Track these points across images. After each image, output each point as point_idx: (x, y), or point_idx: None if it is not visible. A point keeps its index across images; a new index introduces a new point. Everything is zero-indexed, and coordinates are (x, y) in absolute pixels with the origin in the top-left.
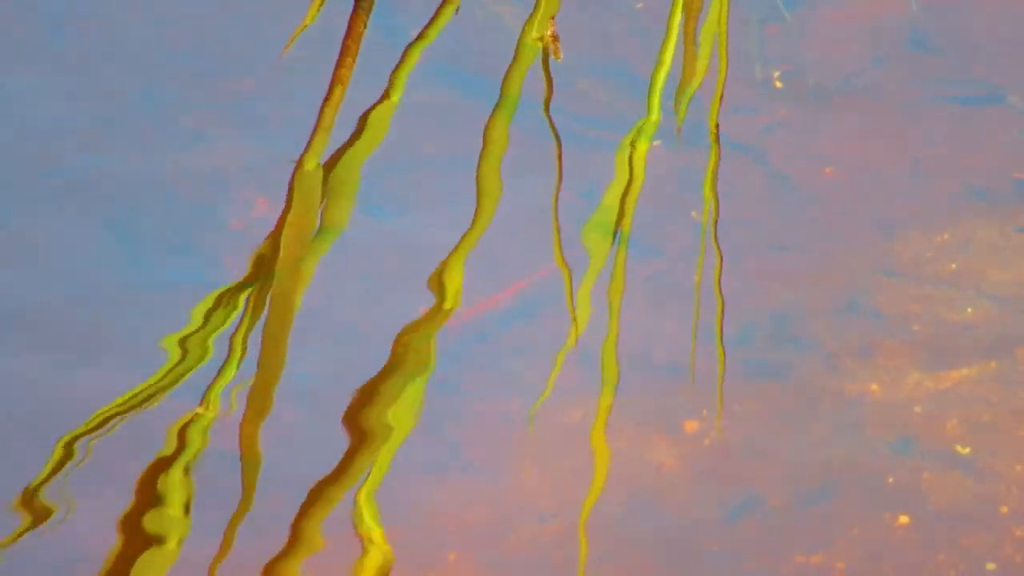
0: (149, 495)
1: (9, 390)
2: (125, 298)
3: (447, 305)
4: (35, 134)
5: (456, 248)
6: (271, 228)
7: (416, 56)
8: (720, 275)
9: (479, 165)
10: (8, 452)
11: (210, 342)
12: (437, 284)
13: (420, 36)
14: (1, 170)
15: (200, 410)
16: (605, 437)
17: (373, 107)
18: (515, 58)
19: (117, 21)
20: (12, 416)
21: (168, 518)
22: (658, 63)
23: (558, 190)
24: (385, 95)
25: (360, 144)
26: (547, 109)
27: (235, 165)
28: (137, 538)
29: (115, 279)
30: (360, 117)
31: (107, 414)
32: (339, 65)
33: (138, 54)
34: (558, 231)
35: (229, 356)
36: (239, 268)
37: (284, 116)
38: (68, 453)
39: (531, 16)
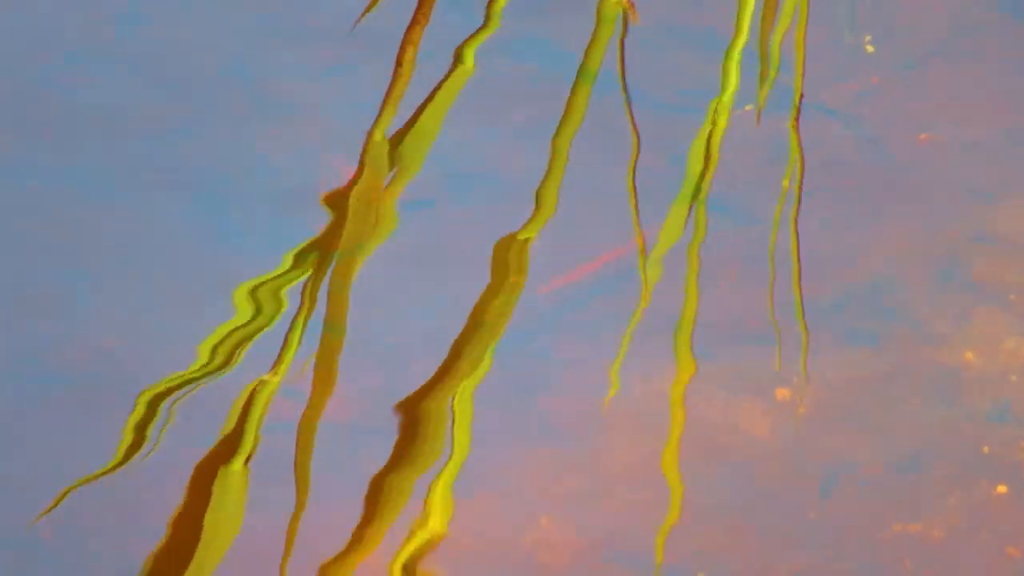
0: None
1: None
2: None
3: (514, 278)
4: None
5: (528, 223)
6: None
7: (492, 27)
8: (797, 244)
9: (555, 135)
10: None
11: (282, 294)
12: (505, 259)
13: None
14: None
15: (268, 376)
16: (683, 396)
17: (447, 75)
18: (595, 28)
19: None
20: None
21: (231, 487)
22: (736, 29)
23: (635, 159)
24: (459, 60)
25: (429, 113)
26: (623, 78)
27: (324, 134)
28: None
29: (203, 248)
30: (434, 87)
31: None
32: (410, 29)
33: (228, 20)
34: (635, 199)
35: (294, 323)
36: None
37: (364, 83)
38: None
39: None
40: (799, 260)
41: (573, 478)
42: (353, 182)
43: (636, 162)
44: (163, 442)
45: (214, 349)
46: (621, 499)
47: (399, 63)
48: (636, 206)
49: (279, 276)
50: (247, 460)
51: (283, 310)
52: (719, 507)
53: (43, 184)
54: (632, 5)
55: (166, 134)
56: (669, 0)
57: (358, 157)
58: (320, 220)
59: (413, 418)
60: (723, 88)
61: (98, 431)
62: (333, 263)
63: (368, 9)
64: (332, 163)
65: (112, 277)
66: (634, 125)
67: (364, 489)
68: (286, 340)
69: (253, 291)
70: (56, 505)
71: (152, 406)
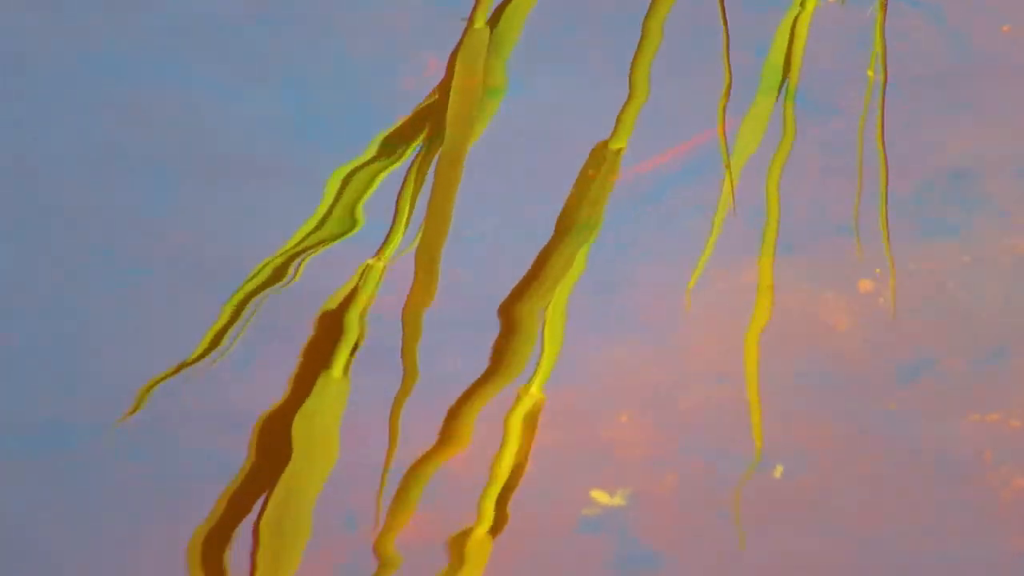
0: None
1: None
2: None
3: (613, 146)
4: None
5: (623, 111)
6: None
7: None
8: (883, 136)
9: (646, 18)
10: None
11: (376, 180)
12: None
13: None
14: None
15: (373, 261)
16: (771, 274)
17: None
18: None
19: None
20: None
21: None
22: None
23: (727, 48)
24: None
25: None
26: None
27: (406, 25)
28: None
29: (284, 130)
30: None
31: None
32: None
33: None
34: (728, 90)
35: (397, 214)
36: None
37: None
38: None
39: None
40: (884, 151)
41: (652, 373)
42: (449, 73)
43: (728, 52)
44: (251, 337)
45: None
46: (700, 394)
47: None
48: (727, 94)
49: (370, 162)
50: (353, 351)
51: (362, 204)
52: (800, 399)
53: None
54: None
55: (254, 26)
56: None
57: (448, 52)
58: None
59: (509, 321)
60: None
61: (194, 315)
62: (437, 153)
63: None
64: (420, 58)
65: (205, 166)
66: (725, 15)
67: (451, 390)
68: (392, 225)
69: (347, 178)
70: (142, 400)
71: (244, 299)
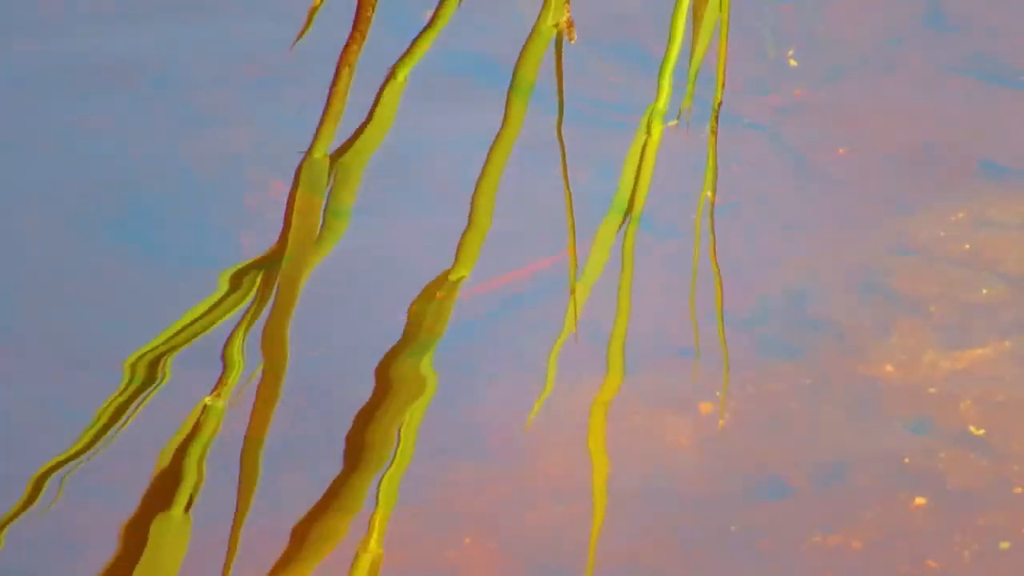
0: (162, 484)
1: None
2: (141, 273)
3: (453, 276)
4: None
5: (466, 231)
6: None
7: (427, 43)
8: (716, 255)
9: (491, 151)
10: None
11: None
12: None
13: (431, 22)
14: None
15: (209, 400)
16: (604, 442)
17: (381, 89)
18: (529, 43)
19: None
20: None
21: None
22: (669, 43)
23: (566, 177)
24: (392, 75)
25: (369, 132)
26: (560, 94)
27: (250, 147)
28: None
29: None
30: (373, 101)
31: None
32: (347, 48)
33: (153, 30)
34: (572, 213)
35: (230, 340)
36: (254, 248)
37: (298, 98)
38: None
39: (546, 2)
40: (719, 274)
41: (495, 493)
42: (291, 201)
43: (567, 175)
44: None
45: (138, 364)
46: (545, 513)
47: (335, 83)
48: (573, 223)
49: (218, 303)
50: (188, 507)
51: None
52: (642, 520)
53: None
54: (571, 25)
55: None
56: (591, 14)
57: (290, 173)
58: (251, 237)
59: (355, 451)
60: (657, 100)
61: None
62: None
63: (302, 33)
64: (259, 176)
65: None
66: (561, 138)
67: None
68: (225, 363)
69: (192, 322)
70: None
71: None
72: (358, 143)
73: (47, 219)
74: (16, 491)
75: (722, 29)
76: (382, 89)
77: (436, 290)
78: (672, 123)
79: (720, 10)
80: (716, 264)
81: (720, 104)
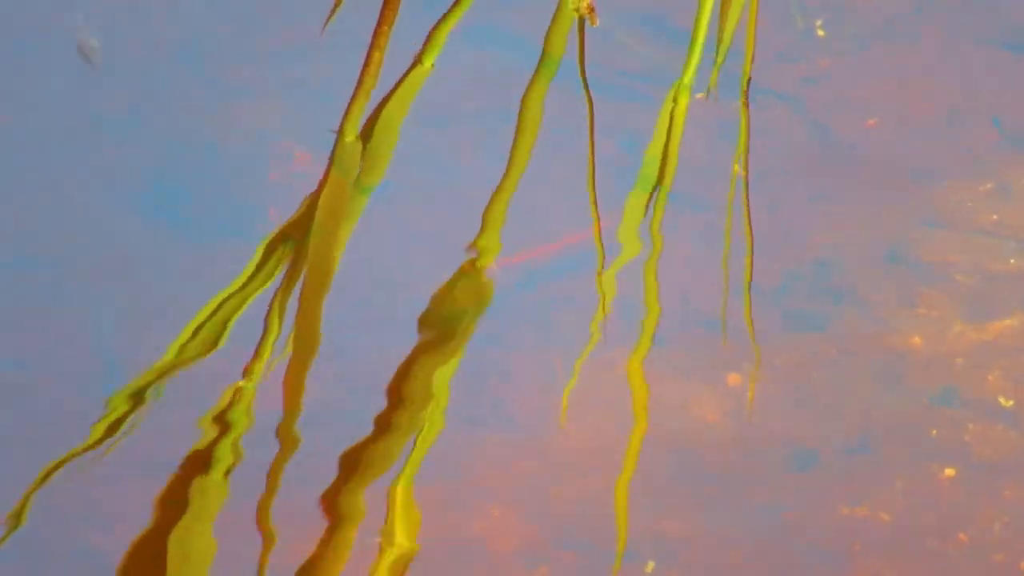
0: (192, 469)
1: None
2: (167, 255)
3: (481, 263)
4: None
5: (491, 200)
6: (309, 183)
7: (451, 24)
8: (751, 230)
9: (519, 118)
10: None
11: (247, 304)
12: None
13: (455, 3)
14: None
15: (243, 383)
16: (643, 373)
17: (407, 73)
18: (553, 21)
19: None
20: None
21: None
22: (698, 15)
23: (592, 153)
24: (418, 60)
25: (391, 106)
26: (583, 73)
27: (275, 119)
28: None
29: (157, 235)
30: (395, 84)
31: (150, 376)
32: (377, 31)
33: (178, 5)
34: (594, 189)
35: (267, 326)
36: (281, 221)
37: (323, 72)
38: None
39: None
40: (751, 246)
41: (524, 465)
42: (322, 183)
43: (594, 152)
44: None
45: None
46: (572, 486)
47: (366, 65)
48: (595, 198)
49: (243, 287)
50: (227, 472)
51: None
52: (669, 492)
53: None
54: (593, 8)
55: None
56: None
57: (314, 147)
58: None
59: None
60: (684, 73)
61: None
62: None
63: (332, 14)
64: (285, 149)
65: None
66: (592, 118)
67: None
68: (258, 349)
69: (216, 309)
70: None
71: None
72: (382, 119)
73: (75, 195)
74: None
75: (752, 3)
76: (408, 73)
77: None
78: (700, 95)
79: None
80: (750, 236)
81: (749, 80)
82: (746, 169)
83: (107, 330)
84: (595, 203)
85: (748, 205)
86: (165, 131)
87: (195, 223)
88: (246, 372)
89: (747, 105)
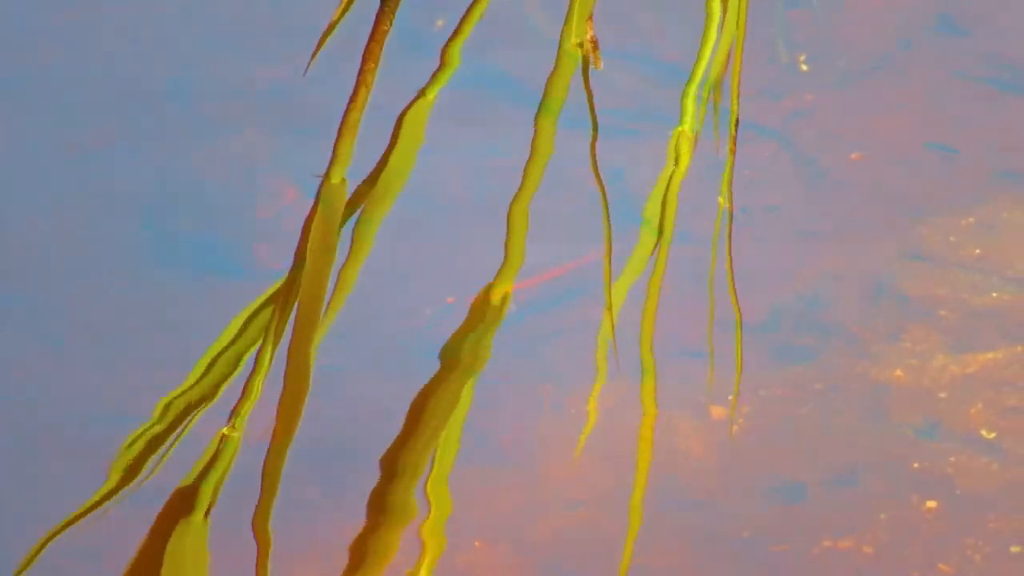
0: (173, 514)
1: (22, 388)
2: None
3: (495, 300)
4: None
5: (510, 228)
6: (297, 220)
7: (456, 55)
8: (732, 265)
9: (526, 167)
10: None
11: (244, 357)
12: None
13: (454, 35)
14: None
15: (227, 430)
16: (652, 437)
17: (408, 107)
18: (556, 65)
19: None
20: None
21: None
22: (697, 62)
23: (601, 186)
24: (421, 94)
25: (398, 153)
26: (593, 118)
27: (263, 154)
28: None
29: (147, 269)
30: (397, 119)
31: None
32: (363, 67)
33: (165, 42)
34: (608, 223)
35: (254, 372)
36: (268, 258)
37: (313, 107)
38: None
39: (567, 18)
40: (733, 281)
41: (508, 498)
42: (307, 226)
43: (606, 196)
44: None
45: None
46: (557, 519)
47: (352, 103)
48: (609, 228)
49: (235, 340)
50: (207, 512)
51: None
52: (652, 523)
53: None
54: (596, 48)
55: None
56: (604, 26)
57: (303, 182)
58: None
59: (392, 471)
60: (682, 121)
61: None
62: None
63: (316, 51)
64: (272, 186)
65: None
66: (594, 157)
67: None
68: (244, 393)
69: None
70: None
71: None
72: (387, 170)
73: (60, 230)
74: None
75: (737, 45)
76: (408, 108)
77: (481, 307)
78: (691, 136)
79: (736, 27)
80: (731, 270)
81: (738, 119)
82: (730, 205)
83: (94, 366)
84: (609, 231)
85: (730, 238)
86: (152, 167)
87: (183, 259)
88: (231, 421)
89: (734, 142)
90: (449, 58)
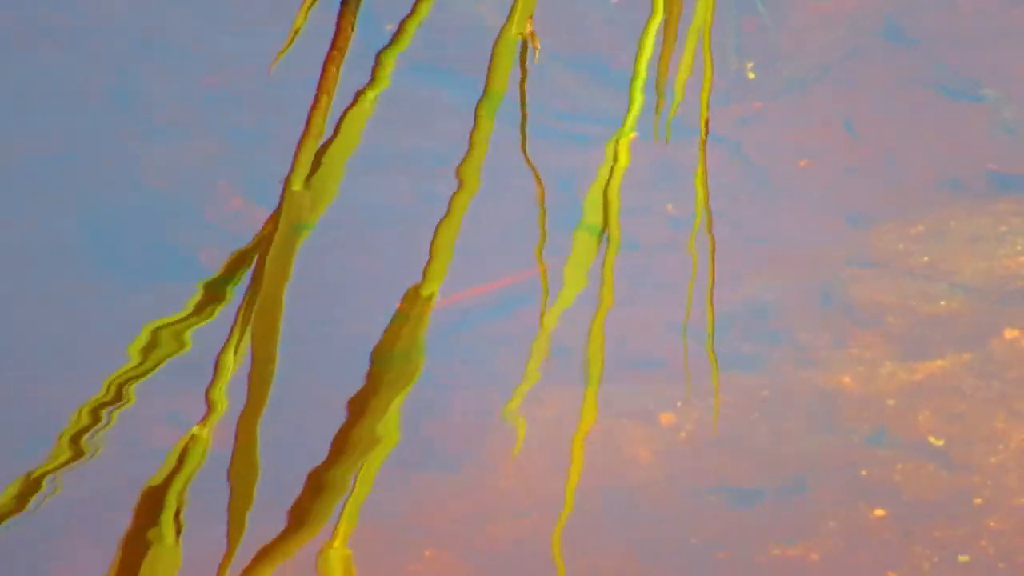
0: (145, 517)
1: None
2: (103, 294)
3: (425, 292)
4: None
5: (434, 239)
6: (245, 224)
7: (392, 58)
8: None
9: (463, 161)
10: None
11: (187, 336)
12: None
13: (396, 36)
14: None
15: (196, 430)
16: (584, 443)
17: (349, 108)
18: (494, 56)
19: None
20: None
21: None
22: (636, 61)
23: (542, 196)
24: (360, 95)
25: (336, 146)
26: (524, 104)
27: (211, 160)
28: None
29: (92, 275)
30: (339, 118)
31: (87, 408)
32: (325, 73)
33: (118, 45)
34: (544, 230)
35: (218, 372)
36: (214, 262)
37: (264, 111)
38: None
39: (509, 16)
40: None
41: (456, 506)
42: (267, 230)
43: (543, 193)
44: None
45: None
46: (507, 525)
47: (313, 109)
48: (544, 239)
49: (186, 318)
50: (176, 516)
51: (185, 350)
52: (601, 532)
53: None
54: (534, 35)
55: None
56: (551, 27)
57: (252, 188)
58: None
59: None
60: (624, 122)
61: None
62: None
63: (281, 53)
64: (220, 190)
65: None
66: (527, 155)
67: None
68: (213, 398)
69: (156, 332)
70: None
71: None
72: (324, 164)
73: (1, 235)
74: None
75: (705, 52)
76: (348, 109)
77: (409, 307)
78: (632, 135)
79: (704, 30)
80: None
81: (708, 123)
82: (709, 212)
83: (39, 372)
84: (544, 238)
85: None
86: (96, 171)
87: (128, 264)
88: (203, 420)
89: (705, 144)
90: (384, 65)
